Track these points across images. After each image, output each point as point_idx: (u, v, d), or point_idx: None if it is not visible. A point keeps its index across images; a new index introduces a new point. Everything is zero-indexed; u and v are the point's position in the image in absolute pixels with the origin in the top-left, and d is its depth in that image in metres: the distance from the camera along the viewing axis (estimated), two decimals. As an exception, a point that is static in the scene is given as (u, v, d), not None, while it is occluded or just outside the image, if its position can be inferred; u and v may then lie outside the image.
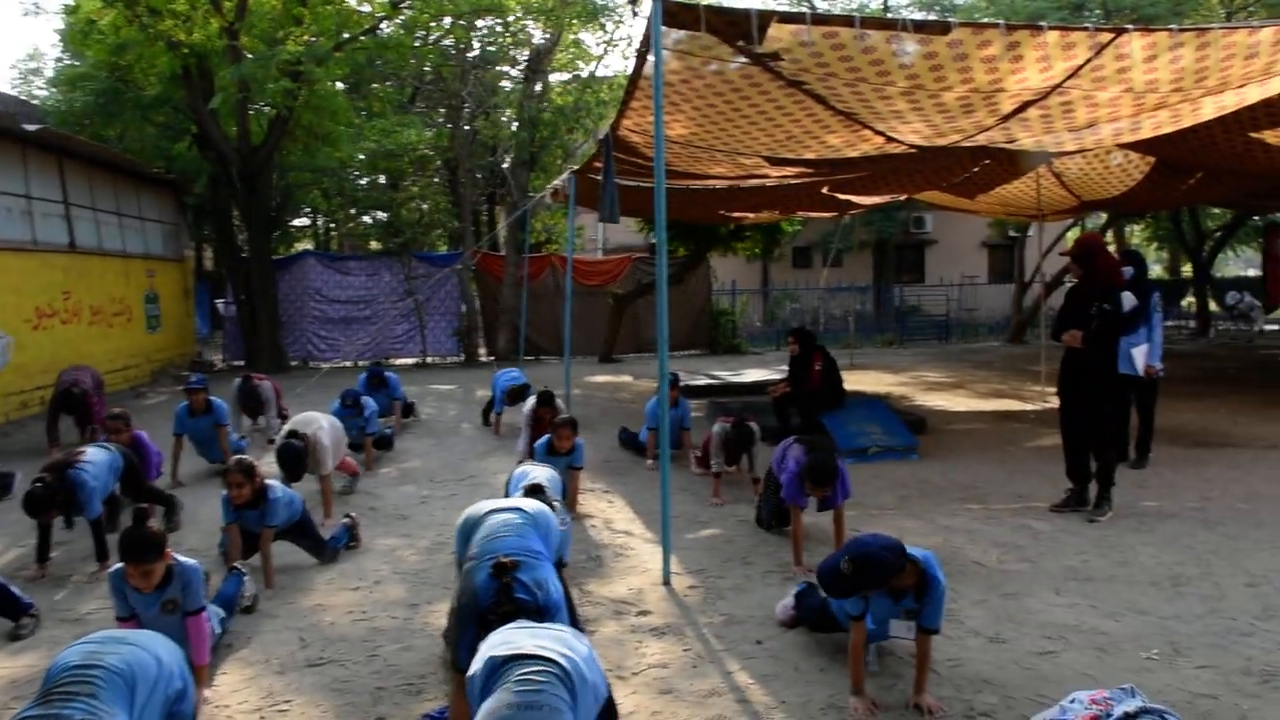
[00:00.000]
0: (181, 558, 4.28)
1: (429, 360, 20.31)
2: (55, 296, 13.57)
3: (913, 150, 8.37)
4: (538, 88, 20.26)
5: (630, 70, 6.85)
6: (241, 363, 18.56)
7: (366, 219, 25.96)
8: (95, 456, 6.34)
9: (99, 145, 15.58)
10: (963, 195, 13.12)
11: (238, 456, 5.93)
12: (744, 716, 3.96)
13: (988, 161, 10.05)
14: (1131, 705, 2.66)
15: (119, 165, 16.09)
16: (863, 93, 6.57)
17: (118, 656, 3.05)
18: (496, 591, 3.57)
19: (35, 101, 23.22)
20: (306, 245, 28.44)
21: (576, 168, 10.81)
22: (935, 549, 4.11)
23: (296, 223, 27.68)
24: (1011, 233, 28.42)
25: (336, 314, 20.15)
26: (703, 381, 14.19)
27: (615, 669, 4.40)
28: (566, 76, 22.96)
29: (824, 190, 11.52)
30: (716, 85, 6.69)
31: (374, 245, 25.55)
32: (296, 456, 6.81)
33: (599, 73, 22.05)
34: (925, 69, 6.03)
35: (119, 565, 4.16)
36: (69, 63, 21.34)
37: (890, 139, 7.92)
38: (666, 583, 5.63)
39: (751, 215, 14.71)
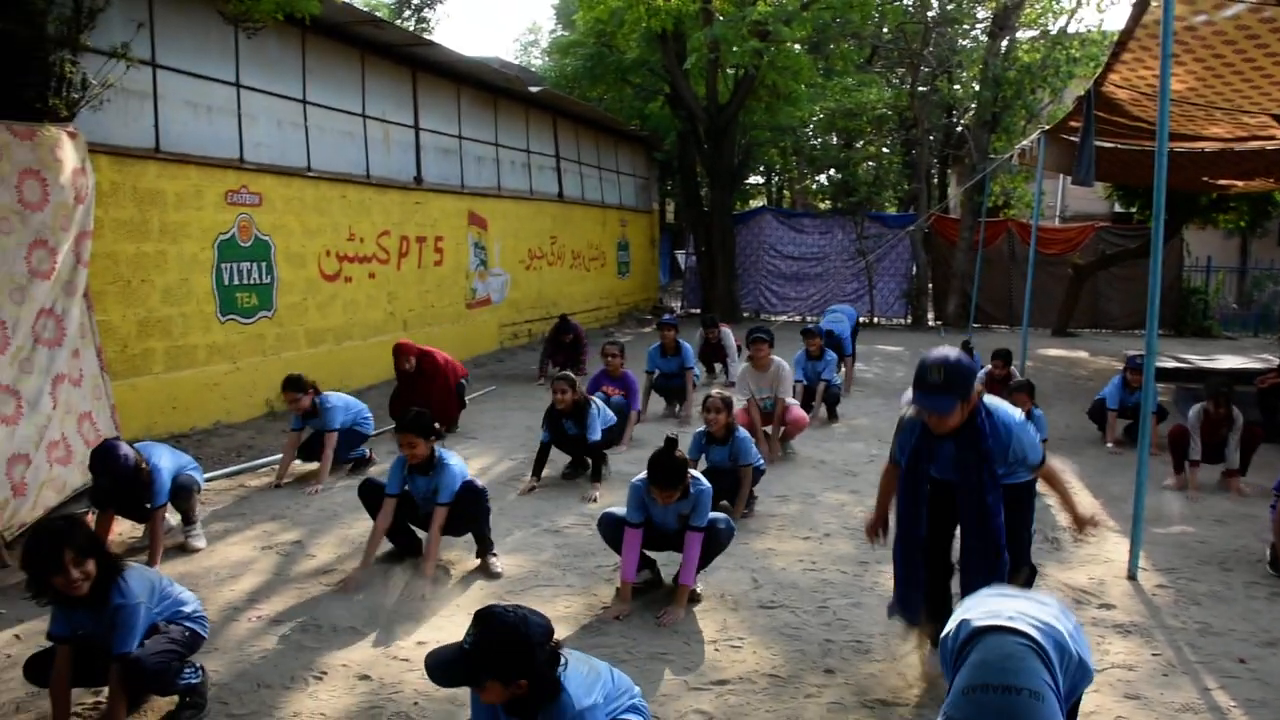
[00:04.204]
0: (698, 475, 4.69)
1: (877, 320, 20.22)
2: (544, 241, 15.16)
3: None
4: (1003, 45, 19.16)
5: (1125, 20, 6.21)
6: (698, 310, 19.62)
7: (821, 178, 26.19)
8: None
9: (586, 105, 17.07)
10: None
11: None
12: (1226, 744, 3.54)
13: None
14: None
15: (601, 123, 17.55)
16: None
17: None
18: None
19: (533, 70, 25.90)
20: (759, 202, 29.35)
21: (1047, 127, 10.10)
22: None
23: (750, 180, 28.57)
24: None
25: (789, 269, 20.66)
26: (1170, 364, 12.81)
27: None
28: (1034, 32, 21.45)
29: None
30: (1228, 32, 5.86)
31: (823, 204, 25.72)
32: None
33: (1070, 28, 20.33)
34: None
35: (642, 476, 4.63)
36: (561, 33, 23.41)
37: None
38: (1132, 577, 5.16)
39: (1240, 183, 12.84)
